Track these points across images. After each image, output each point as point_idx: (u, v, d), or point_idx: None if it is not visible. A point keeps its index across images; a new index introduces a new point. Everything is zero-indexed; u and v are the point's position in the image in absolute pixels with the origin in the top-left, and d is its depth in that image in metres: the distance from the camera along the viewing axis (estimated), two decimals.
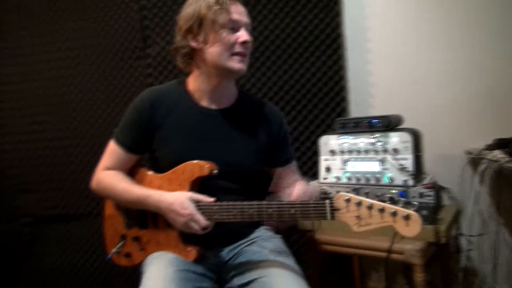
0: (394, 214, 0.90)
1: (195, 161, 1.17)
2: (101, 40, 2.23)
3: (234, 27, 1.16)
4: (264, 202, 1.06)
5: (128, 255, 1.26)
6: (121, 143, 1.25)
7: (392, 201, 0.93)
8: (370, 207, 0.93)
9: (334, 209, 0.98)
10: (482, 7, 1.77)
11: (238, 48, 1.16)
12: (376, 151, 1.52)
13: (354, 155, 1.57)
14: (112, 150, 1.27)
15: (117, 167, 1.26)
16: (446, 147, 1.81)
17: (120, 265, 1.28)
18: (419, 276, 1.33)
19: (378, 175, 1.50)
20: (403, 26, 1.90)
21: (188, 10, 1.18)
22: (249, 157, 1.26)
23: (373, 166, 1.52)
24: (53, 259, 2.37)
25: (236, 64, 1.17)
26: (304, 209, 1.01)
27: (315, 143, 1.80)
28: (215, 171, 1.17)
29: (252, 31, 1.91)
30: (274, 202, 1.05)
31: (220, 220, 1.10)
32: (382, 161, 1.50)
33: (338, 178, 1.59)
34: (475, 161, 1.74)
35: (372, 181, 1.51)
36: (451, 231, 1.49)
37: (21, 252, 2.39)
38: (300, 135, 1.97)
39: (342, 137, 1.59)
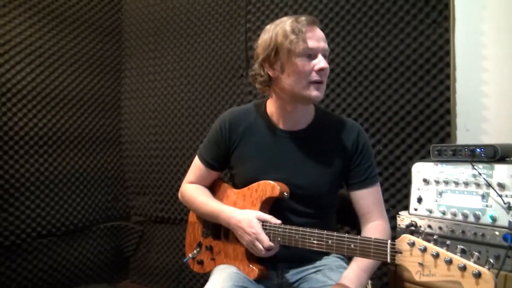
0: (463, 268, 0.78)
1: (268, 181, 1.19)
2: (210, 60, 2.43)
3: (311, 54, 1.13)
4: (325, 232, 1.03)
5: (201, 262, 1.34)
6: (203, 159, 1.34)
7: (464, 253, 0.80)
8: (436, 255, 0.82)
9: (395, 251, 0.89)
10: None
11: (315, 76, 1.13)
12: (478, 185, 1.33)
13: (451, 187, 1.40)
14: (196, 165, 1.37)
15: (199, 181, 1.36)
16: None
17: (194, 270, 1.36)
18: None
19: (478, 212, 1.31)
20: None
21: (265, 37, 1.17)
22: (322, 181, 1.22)
23: (474, 202, 1.33)
24: (156, 256, 2.63)
25: (313, 92, 1.13)
26: (364, 245, 0.95)
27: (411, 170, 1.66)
28: (286, 194, 1.17)
29: (351, 48, 1.91)
30: (335, 234, 1.01)
31: (283, 243, 1.10)
32: (484, 196, 1.31)
33: (430, 211, 1.44)
34: None
35: (471, 218, 1.32)
36: None
37: (131, 247, 2.71)
38: (396, 160, 1.84)
39: (439, 165, 1.44)
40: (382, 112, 1.87)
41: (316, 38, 1.13)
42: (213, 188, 1.37)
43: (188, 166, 2.45)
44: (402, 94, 1.83)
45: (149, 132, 2.66)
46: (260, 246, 1.10)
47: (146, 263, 2.69)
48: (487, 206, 1.30)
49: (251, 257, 1.19)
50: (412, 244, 0.86)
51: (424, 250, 0.84)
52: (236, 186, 1.30)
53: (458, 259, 0.79)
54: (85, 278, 2.43)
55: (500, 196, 1.26)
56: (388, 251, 0.90)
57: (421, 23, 1.78)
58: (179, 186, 2.47)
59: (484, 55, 1.74)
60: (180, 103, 2.54)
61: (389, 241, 0.91)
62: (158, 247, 2.64)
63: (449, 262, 0.80)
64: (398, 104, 1.83)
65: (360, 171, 1.23)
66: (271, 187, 1.17)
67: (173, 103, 2.57)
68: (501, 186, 1.27)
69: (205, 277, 1.33)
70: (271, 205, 1.20)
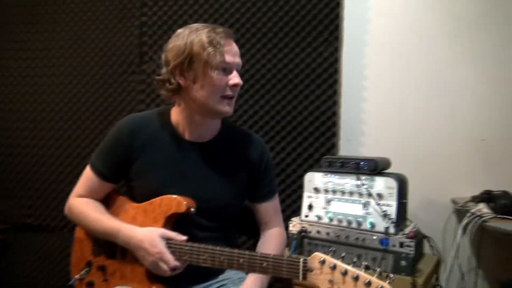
0: (369, 284, 0.86)
1: (174, 196, 1.13)
2: (98, 52, 2.22)
3: (226, 68, 1.11)
4: (235, 251, 1.02)
5: (91, 284, 1.20)
6: (97, 170, 1.20)
7: (368, 269, 0.89)
8: (344, 273, 0.88)
9: (307, 269, 0.94)
10: (481, 58, 1.77)
11: (228, 91, 1.12)
12: (361, 194, 1.48)
13: (338, 195, 1.53)
14: (87, 177, 1.22)
15: (90, 194, 1.22)
16: (433, 194, 1.79)
17: None
18: None
19: (360, 219, 1.46)
20: (401, 68, 1.89)
21: (178, 43, 1.11)
22: (227, 194, 1.21)
23: (356, 209, 1.48)
24: (23, 268, 2.30)
25: (224, 107, 1.13)
26: (276, 264, 0.97)
27: (301, 177, 1.76)
28: (193, 209, 1.12)
29: (249, 56, 1.94)
30: (246, 252, 1.01)
31: (190, 262, 1.06)
32: (366, 205, 1.47)
33: (319, 217, 1.55)
34: (460, 212, 1.71)
35: (354, 225, 1.47)
36: (429, 283, 1.45)
37: None
38: (287, 167, 1.94)
39: (328, 175, 1.56)
40: (276, 121, 1.95)
41: (233, 53, 1.13)
42: (108, 202, 1.23)
43: (65, 166, 2.25)
44: (294, 105, 1.93)
45: (18, 125, 2.30)
46: (165, 267, 1.04)
47: (7, 279, 2.32)
48: (367, 213, 1.46)
49: (151, 276, 1.11)
50: (323, 262, 0.91)
51: (334, 267, 0.90)
52: (135, 199, 1.20)
53: (363, 275, 0.86)
54: None
55: (379, 204, 1.43)
56: (301, 269, 0.94)
57: (315, 40, 1.90)
58: (53, 189, 2.26)
59: (365, 75, 1.95)
60: (59, 95, 2.26)
61: (301, 259, 0.94)
62: (24, 259, 2.31)
63: (356, 278, 0.87)
64: (291, 114, 1.94)
65: (263, 185, 1.29)
66: (176, 202, 1.11)
67: (49, 94, 2.27)
68: (380, 196, 1.44)
69: None
70: (174, 221, 1.15)
